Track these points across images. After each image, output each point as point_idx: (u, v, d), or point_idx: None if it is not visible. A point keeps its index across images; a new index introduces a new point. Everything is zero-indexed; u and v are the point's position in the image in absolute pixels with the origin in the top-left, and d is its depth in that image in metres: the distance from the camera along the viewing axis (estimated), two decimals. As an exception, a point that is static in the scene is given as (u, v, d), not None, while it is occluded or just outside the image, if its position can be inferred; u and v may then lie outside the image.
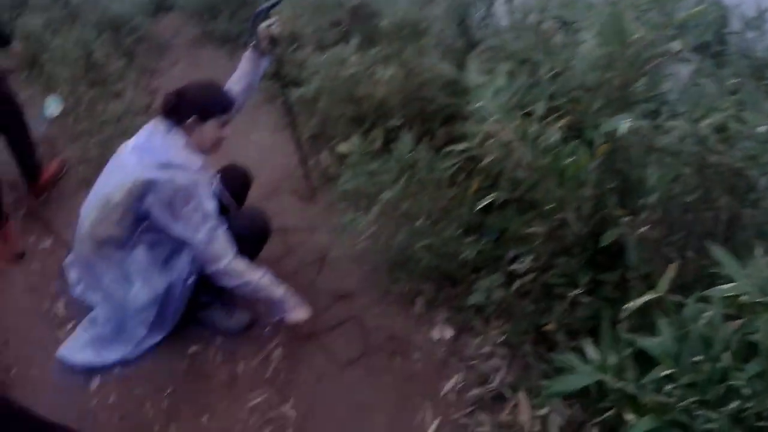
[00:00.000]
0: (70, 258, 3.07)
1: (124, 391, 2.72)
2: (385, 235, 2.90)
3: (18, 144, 3.92)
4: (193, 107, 2.51)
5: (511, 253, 2.61)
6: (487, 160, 2.38)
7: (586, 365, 1.63)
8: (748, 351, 1.49)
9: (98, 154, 4.18)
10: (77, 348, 2.84)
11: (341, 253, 3.22)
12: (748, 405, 1.39)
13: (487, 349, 2.61)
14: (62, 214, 3.90)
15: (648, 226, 2.02)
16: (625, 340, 1.62)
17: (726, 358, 1.45)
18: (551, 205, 2.32)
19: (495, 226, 2.77)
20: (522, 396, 2.45)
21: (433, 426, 2.41)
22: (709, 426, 1.42)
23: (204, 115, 2.53)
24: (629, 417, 1.54)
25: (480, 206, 2.51)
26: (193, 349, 2.87)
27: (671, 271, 1.75)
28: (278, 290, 2.64)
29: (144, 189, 2.43)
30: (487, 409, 2.44)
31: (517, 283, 2.48)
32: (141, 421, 2.60)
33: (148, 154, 2.48)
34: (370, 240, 2.99)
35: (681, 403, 1.44)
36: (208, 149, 2.63)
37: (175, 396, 2.69)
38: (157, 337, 2.82)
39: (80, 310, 3.01)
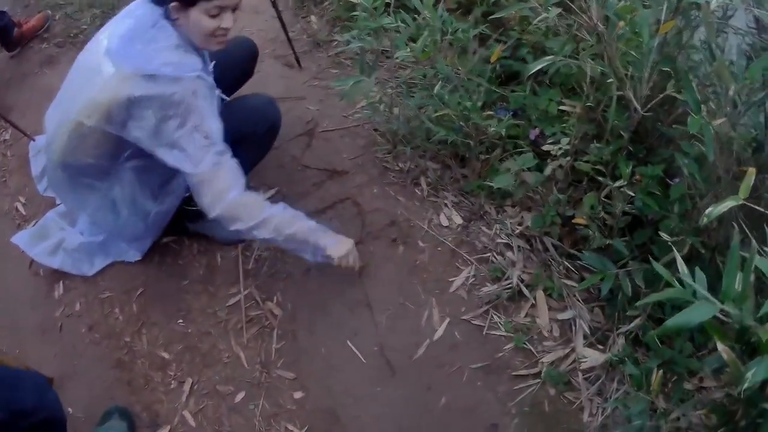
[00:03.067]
0: (32, 150, 2.55)
1: (90, 297, 2.33)
2: (389, 103, 2.44)
3: None
4: None
5: (535, 133, 2.14)
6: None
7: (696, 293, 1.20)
8: None
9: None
10: (47, 250, 2.35)
11: (332, 125, 2.72)
12: None
13: (502, 240, 2.23)
14: (23, 98, 3.25)
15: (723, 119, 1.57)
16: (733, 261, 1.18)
17: None
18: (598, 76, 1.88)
19: (518, 100, 2.32)
20: (540, 296, 2.11)
21: (442, 327, 2.07)
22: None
23: (183, 0, 1.81)
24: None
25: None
26: (164, 239, 2.43)
27: (751, 175, 1.32)
28: (306, 225, 1.99)
29: (125, 110, 1.82)
30: (501, 309, 2.11)
31: (549, 168, 2.04)
32: (111, 330, 2.23)
33: (128, 61, 1.80)
34: (368, 109, 2.52)
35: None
36: (204, 44, 1.92)
37: (145, 298, 2.29)
38: (138, 254, 2.37)
39: (44, 206, 2.58)
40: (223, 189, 1.88)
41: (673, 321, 1.10)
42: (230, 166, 1.91)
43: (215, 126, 1.89)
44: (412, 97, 2.35)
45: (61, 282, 2.38)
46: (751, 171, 1.36)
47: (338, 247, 2.02)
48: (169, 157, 1.87)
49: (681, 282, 1.14)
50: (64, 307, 2.33)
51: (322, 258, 2.02)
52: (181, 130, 1.82)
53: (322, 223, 2.02)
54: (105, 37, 1.91)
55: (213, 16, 1.83)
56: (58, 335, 2.27)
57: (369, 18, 2.25)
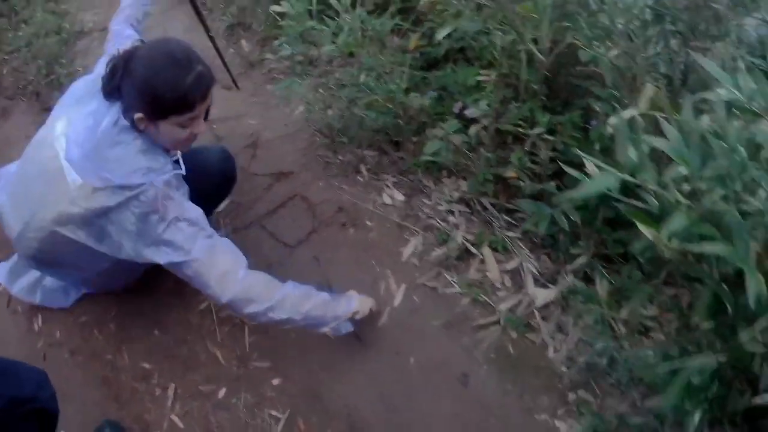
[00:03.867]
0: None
1: (69, 324, 2.29)
2: (323, 102, 2.49)
3: None
4: (137, 99, 1.59)
5: (458, 106, 2.27)
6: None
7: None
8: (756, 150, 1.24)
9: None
10: (27, 287, 2.27)
11: (274, 134, 2.76)
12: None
13: (442, 207, 2.28)
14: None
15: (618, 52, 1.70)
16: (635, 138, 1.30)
17: (742, 151, 1.19)
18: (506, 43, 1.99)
19: (440, 79, 2.40)
20: (487, 251, 2.16)
21: (400, 293, 2.10)
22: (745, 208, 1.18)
23: (154, 115, 1.61)
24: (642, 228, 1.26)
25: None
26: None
27: (649, 91, 1.45)
28: (321, 298, 1.79)
29: (103, 217, 1.63)
30: (452, 268, 2.15)
31: (473, 129, 2.12)
32: (92, 351, 2.20)
33: (94, 175, 1.59)
34: (304, 112, 2.59)
35: (707, 198, 1.18)
36: (173, 148, 1.75)
37: (121, 316, 2.26)
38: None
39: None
40: (228, 271, 1.67)
41: (582, 193, 1.20)
42: (225, 246, 1.72)
43: (196, 213, 1.70)
44: (343, 87, 2.42)
45: (39, 315, 2.32)
46: (649, 86, 1.50)
47: (363, 304, 1.87)
48: (159, 256, 1.66)
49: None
50: (45, 337, 2.27)
51: (346, 327, 1.86)
52: (164, 223, 1.63)
53: (332, 292, 1.87)
54: (62, 133, 1.66)
55: (184, 126, 1.65)
56: (42, 364, 2.15)
57: (295, 24, 2.31)
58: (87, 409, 2.08)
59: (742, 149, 1.22)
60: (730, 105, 1.33)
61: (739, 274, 1.13)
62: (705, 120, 1.32)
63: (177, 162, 1.76)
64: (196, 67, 1.60)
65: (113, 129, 1.61)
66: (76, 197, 1.61)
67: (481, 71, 2.21)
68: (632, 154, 1.18)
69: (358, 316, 1.86)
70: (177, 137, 1.67)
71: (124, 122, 1.62)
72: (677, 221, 1.16)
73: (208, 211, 2.02)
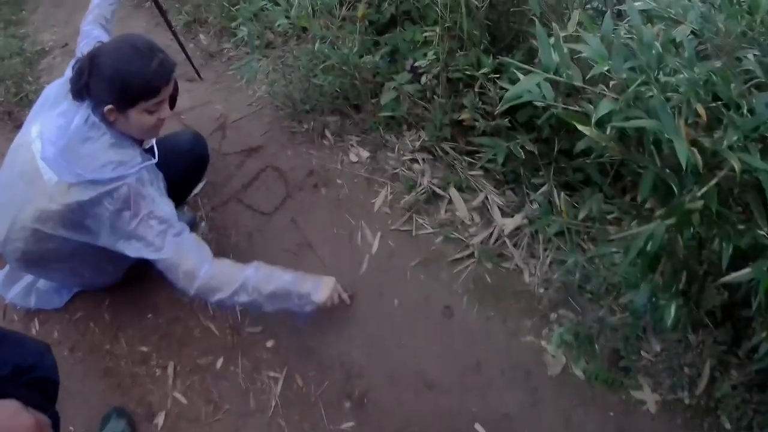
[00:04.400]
0: None
1: (64, 322, 2.30)
2: (283, 77, 2.53)
3: None
4: (105, 91, 1.65)
5: (410, 63, 2.32)
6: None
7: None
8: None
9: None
10: (21, 293, 2.29)
11: (240, 115, 2.76)
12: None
13: (406, 157, 2.29)
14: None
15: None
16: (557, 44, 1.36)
17: (657, 47, 1.26)
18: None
19: (391, 41, 2.43)
20: (453, 192, 2.17)
21: (376, 241, 2.11)
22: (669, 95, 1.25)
23: (121, 105, 1.65)
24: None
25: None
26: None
27: (576, 15, 1.52)
28: (284, 279, 1.80)
29: (79, 212, 1.68)
30: (422, 212, 2.16)
31: (424, 78, 2.14)
32: (91, 345, 2.20)
33: (68, 172, 1.65)
34: (266, 89, 2.62)
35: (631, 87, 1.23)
36: (143, 137, 1.80)
37: (114, 306, 2.27)
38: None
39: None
40: (193, 267, 1.71)
41: (511, 92, 1.27)
42: (192, 243, 1.76)
43: (167, 208, 1.74)
44: (300, 59, 2.45)
45: (35, 319, 2.32)
46: (576, 12, 1.57)
47: (322, 290, 1.83)
48: (130, 249, 1.72)
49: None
50: (43, 339, 2.19)
51: (310, 307, 1.83)
52: (136, 220, 1.67)
53: (298, 271, 1.84)
54: (37, 136, 1.72)
55: (152, 112, 1.70)
56: (44, 365, 2.29)
57: (249, 6, 2.40)
58: (92, 402, 2.09)
59: (657, 44, 1.29)
60: (648, 14, 1.42)
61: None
62: (623, 28, 1.41)
63: (149, 151, 1.81)
64: (158, 55, 1.66)
65: (84, 126, 1.65)
66: (53, 194, 1.66)
67: (427, 28, 2.22)
68: (554, 56, 1.25)
69: (327, 305, 1.85)
70: (146, 124, 1.71)
71: (94, 119, 1.66)
72: (604, 106, 1.23)
73: (186, 193, 2.10)
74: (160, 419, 1.96)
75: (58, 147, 1.65)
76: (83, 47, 1.99)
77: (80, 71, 1.65)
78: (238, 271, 1.75)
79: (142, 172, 1.70)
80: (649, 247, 1.22)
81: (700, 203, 1.17)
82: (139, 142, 1.82)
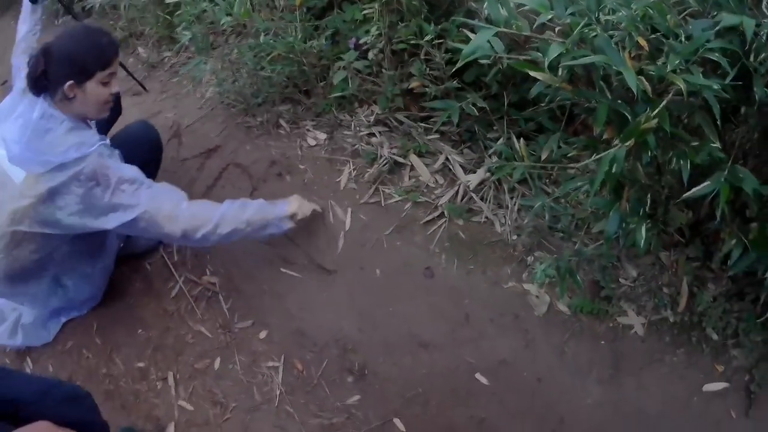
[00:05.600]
0: None
1: (57, 354, 2.26)
2: (230, 74, 2.54)
3: None
4: (65, 69, 1.75)
5: (353, 42, 2.32)
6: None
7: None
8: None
9: None
10: (7, 332, 2.26)
11: (193, 119, 2.72)
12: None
13: (363, 132, 2.28)
14: None
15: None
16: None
17: None
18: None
19: (332, 23, 2.41)
20: (414, 158, 2.17)
21: (348, 217, 2.12)
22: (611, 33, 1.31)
23: (81, 77, 1.76)
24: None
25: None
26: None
27: None
28: (256, 204, 1.94)
29: (50, 202, 1.76)
30: (387, 182, 2.16)
31: (371, 53, 2.14)
32: (88, 371, 2.17)
33: (34, 163, 1.74)
34: (215, 90, 2.61)
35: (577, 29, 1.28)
36: (98, 113, 1.89)
37: (103, 328, 2.24)
38: (87, 309, 2.31)
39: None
40: (172, 209, 1.82)
41: (467, 49, 1.30)
42: (165, 190, 1.87)
43: (132, 171, 1.83)
44: (245, 55, 2.44)
45: (27, 358, 2.27)
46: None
47: (291, 203, 1.97)
48: (110, 222, 1.80)
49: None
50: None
51: (285, 225, 1.96)
52: (108, 191, 1.77)
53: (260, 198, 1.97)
54: (0, 141, 1.81)
55: (105, 84, 1.81)
56: (43, 402, 2.25)
57: (191, 8, 2.38)
58: None
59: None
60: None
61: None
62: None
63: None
64: (106, 33, 1.84)
65: (41, 120, 1.76)
66: (23, 190, 1.76)
67: (365, 6, 2.23)
68: (502, 11, 1.28)
69: (299, 217, 1.98)
70: (101, 97, 1.82)
71: (51, 111, 1.77)
72: (554, 49, 1.26)
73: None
74: (170, 431, 1.94)
75: (22, 143, 1.75)
76: (20, 81, 2.01)
77: (36, 62, 1.75)
78: (216, 206, 1.89)
79: (102, 148, 1.81)
80: (614, 170, 1.25)
81: (654, 121, 1.20)
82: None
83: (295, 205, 1.98)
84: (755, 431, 1.73)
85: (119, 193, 1.79)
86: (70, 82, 1.74)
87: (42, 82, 1.76)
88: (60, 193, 1.75)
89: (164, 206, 1.83)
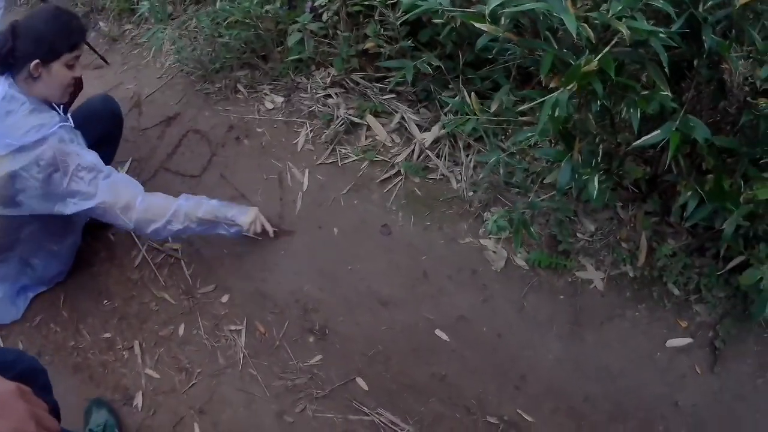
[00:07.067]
0: None
1: (26, 330, 2.21)
2: (189, 41, 2.49)
3: None
4: (32, 47, 1.72)
5: (308, 5, 2.26)
6: None
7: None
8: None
9: None
10: None
11: (153, 89, 2.66)
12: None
13: (319, 94, 2.23)
14: None
15: None
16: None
17: None
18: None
19: None
20: (370, 118, 2.12)
21: (305, 178, 2.08)
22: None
23: (48, 56, 1.74)
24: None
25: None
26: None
27: None
28: (211, 205, 1.91)
29: (11, 186, 1.73)
30: (344, 142, 2.12)
31: (325, 15, 2.10)
32: (56, 345, 2.14)
33: None
34: (174, 59, 2.56)
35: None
36: (61, 97, 1.84)
37: (69, 301, 2.20)
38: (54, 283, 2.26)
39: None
40: (129, 200, 1.80)
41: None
42: (122, 181, 1.83)
43: (92, 157, 1.79)
44: (202, 22, 2.38)
45: None
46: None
47: (245, 215, 1.93)
48: (69, 208, 1.78)
49: None
50: None
51: (235, 230, 1.94)
52: (66, 178, 1.74)
53: (223, 200, 1.95)
54: None
55: (70, 67, 1.79)
56: (15, 379, 2.19)
57: None
58: (70, 400, 2.00)
59: None
60: None
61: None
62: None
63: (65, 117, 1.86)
64: (76, 16, 1.85)
65: (2, 102, 1.72)
66: None
67: None
68: None
69: (250, 232, 1.96)
70: (65, 80, 1.80)
71: (12, 92, 1.73)
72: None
73: (111, 153, 2.12)
74: (138, 400, 1.91)
75: None
76: None
77: (4, 39, 1.72)
78: (170, 202, 1.86)
79: (62, 131, 1.75)
80: (557, 113, 1.22)
81: (594, 63, 1.17)
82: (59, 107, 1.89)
83: (250, 218, 1.95)
84: (721, 387, 1.73)
85: (77, 180, 1.76)
86: (37, 60, 1.72)
87: (8, 60, 1.73)
88: (20, 177, 1.72)
89: (121, 198, 1.81)
